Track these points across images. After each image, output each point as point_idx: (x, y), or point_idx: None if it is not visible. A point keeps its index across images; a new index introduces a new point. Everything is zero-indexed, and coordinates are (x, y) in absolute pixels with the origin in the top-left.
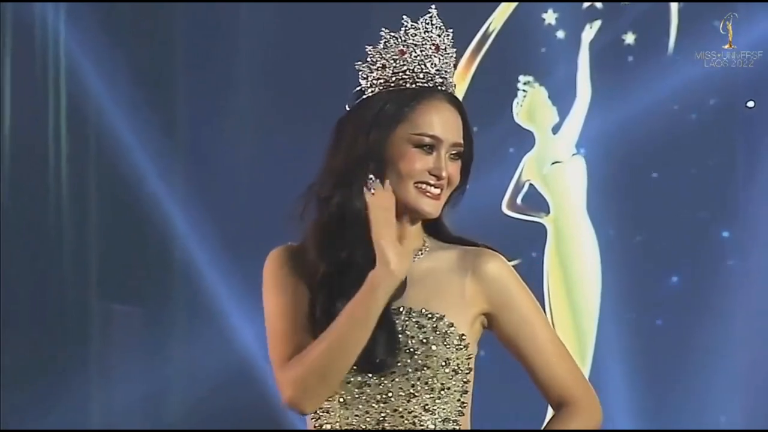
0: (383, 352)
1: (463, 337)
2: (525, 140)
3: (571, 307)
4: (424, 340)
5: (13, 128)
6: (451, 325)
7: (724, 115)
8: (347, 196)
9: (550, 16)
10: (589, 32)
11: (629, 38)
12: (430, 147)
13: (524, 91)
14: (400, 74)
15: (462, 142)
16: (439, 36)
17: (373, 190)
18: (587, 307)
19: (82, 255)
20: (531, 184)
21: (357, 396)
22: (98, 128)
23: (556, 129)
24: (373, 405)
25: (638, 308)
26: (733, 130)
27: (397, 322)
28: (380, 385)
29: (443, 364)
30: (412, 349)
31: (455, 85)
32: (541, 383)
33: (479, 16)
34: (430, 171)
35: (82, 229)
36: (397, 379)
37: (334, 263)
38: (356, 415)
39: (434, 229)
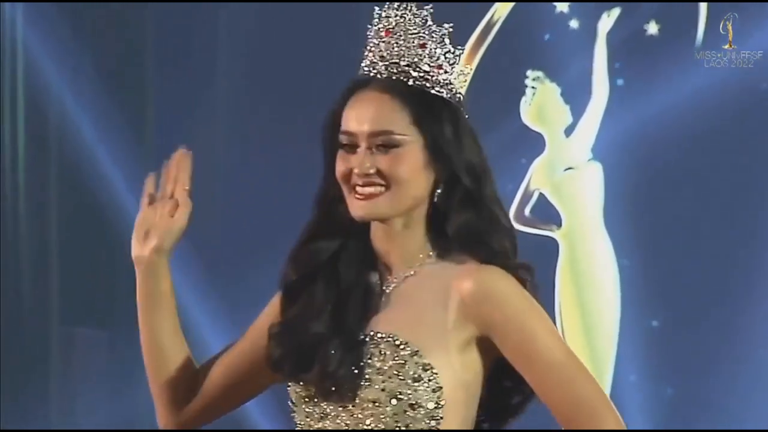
0: (342, 376)
1: (429, 369)
2: (534, 144)
3: (586, 330)
4: (382, 370)
5: None
6: (417, 354)
7: (760, 116)
8: None
9: (562, 4)
10: (606, 21)
11: (652, 28)
12: (351, 147)
13: (533, 88)
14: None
15: (385, 129)
16: (401, 16)
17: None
18: (604, 330)
19: (41, 273)
20: (541, 193)
21: (316, 428)
22: (59, 132)
23: (569, 131)
24: None
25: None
26: None
27: (363, 348)
28: (337, 417)
29: (401, 399)
30: (371, 380)
31: (429, 71)
32: (552, 408)
33: (481, 4)
34: (353, 170)
35: (41, 245)
36: (357, 414)
37: None
38: None
39: (440, 239)
